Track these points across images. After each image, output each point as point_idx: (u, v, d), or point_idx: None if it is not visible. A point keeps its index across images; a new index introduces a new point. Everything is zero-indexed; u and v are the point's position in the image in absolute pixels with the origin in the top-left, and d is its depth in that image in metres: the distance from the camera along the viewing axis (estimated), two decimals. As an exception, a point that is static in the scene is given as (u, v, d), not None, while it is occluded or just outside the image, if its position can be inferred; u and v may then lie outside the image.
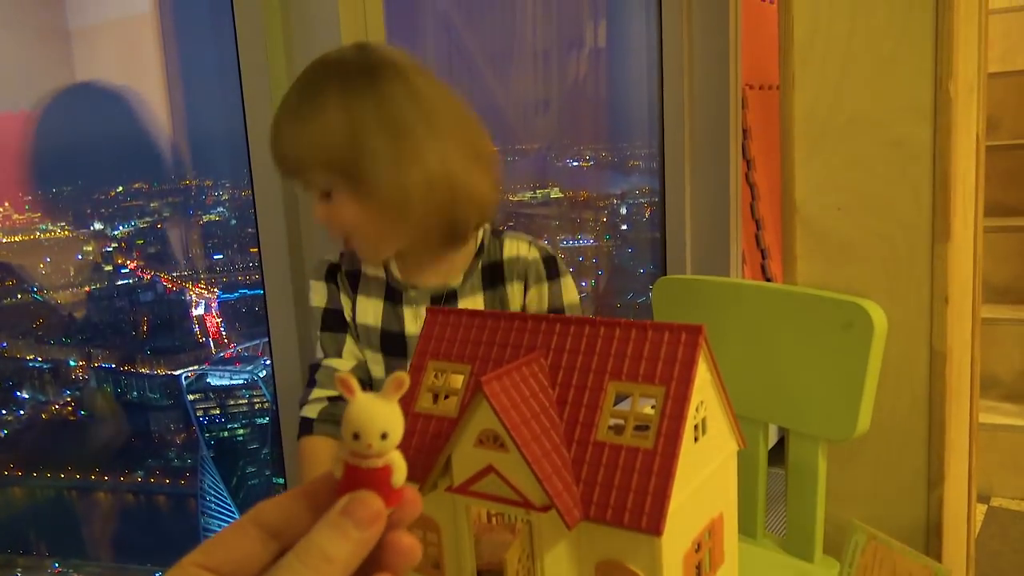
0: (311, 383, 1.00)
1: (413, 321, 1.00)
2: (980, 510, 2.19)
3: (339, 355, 1.01)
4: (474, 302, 1.01)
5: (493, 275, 1.02)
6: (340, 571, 0.33)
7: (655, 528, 0.58)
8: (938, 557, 1.09)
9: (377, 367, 1.02)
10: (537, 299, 1.02)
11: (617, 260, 2.99)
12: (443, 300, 1.00)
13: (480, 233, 1.02)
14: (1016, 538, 2.03)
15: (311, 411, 0.96)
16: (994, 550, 1.97)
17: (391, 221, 0.92)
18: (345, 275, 1.04)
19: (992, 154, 1.18)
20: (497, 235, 1.04)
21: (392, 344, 1.01)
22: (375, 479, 0.35)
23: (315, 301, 1.04)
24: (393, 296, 1.01)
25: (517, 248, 1.02)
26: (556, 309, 1.02)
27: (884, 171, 1.05)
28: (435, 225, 0.95)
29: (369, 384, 1.05)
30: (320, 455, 0.94)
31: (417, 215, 0.91)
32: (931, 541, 1.10)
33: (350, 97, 0.89)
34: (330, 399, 0.96)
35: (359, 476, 0.35)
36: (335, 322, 1.02)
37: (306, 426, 0.95)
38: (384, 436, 0.36)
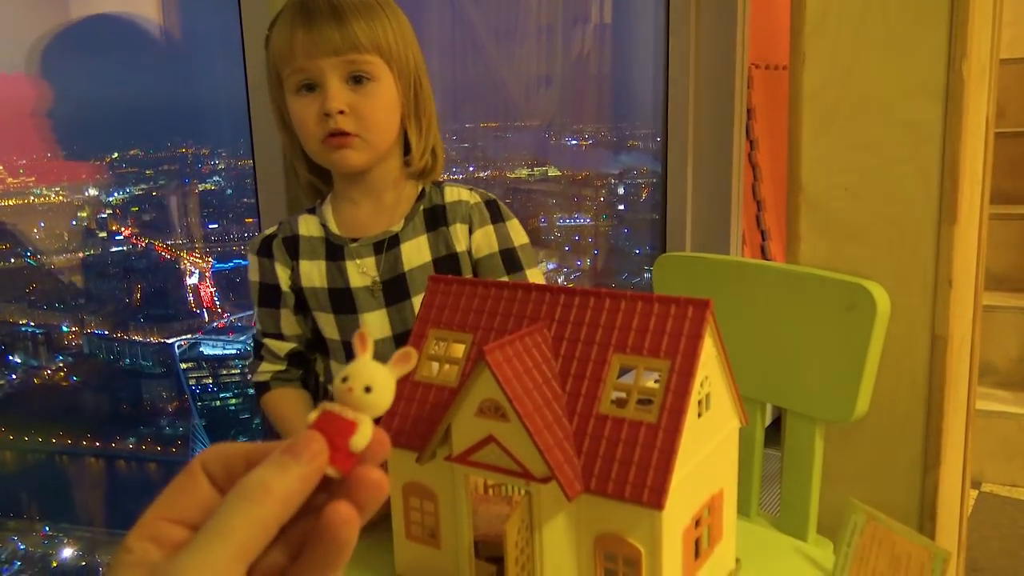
0: (259, 357, 1.04)
1: (357, 275, 1.00)
2: (971, 495, 2.20)
3: (277, 329, 1.03)
4: (417, 244, 1.01)
5: (435, 218, 1.02)
6: (279, 504, 0.33)
7: (657, 502, 0.57)
8: (931, 540, 1.10)
9: (330, 328, 1.02)
10: (486, 242, 1.03)
11: (613, 240, 2.98)
12: (385, 246, 1.00)
13: (420, 184, 1.05)
14: (1005, 523, 2.05)
15: (263, 376, 1.01)
16: (984, 535, 1.99)
17: (395, 122, 0.98)
18: (282, 242, 1.03)
19: (996, 141, 1.17)
20: (437, 184, 1.07)
21: (340, 302, 1.01)
22: (337, 429, 0.35)
23: (251, 275, 1.05)
24: (334, 254, 1.01)
25: (458, 193, 1.05)
26: (508, 250, 1.03)
27: (892, 152, 1.04)
28: (411, 148, 1.02)
29: (319, 348, 1.07)
30: (286, 399, 1.00)
31: (424, 123, 1.00)
32: (925, 524, 1.11)
33: (388, 4, 0.97)
34: (277, 373, 1.02)
35: (324, 421, 0.35)
36: (269, 297, 1.03)
37: (262, 387, 1.00)
38: (368, 390, 0.36)
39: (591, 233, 2.93)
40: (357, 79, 0.94)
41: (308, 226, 1.04)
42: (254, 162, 1.35)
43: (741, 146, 2.11)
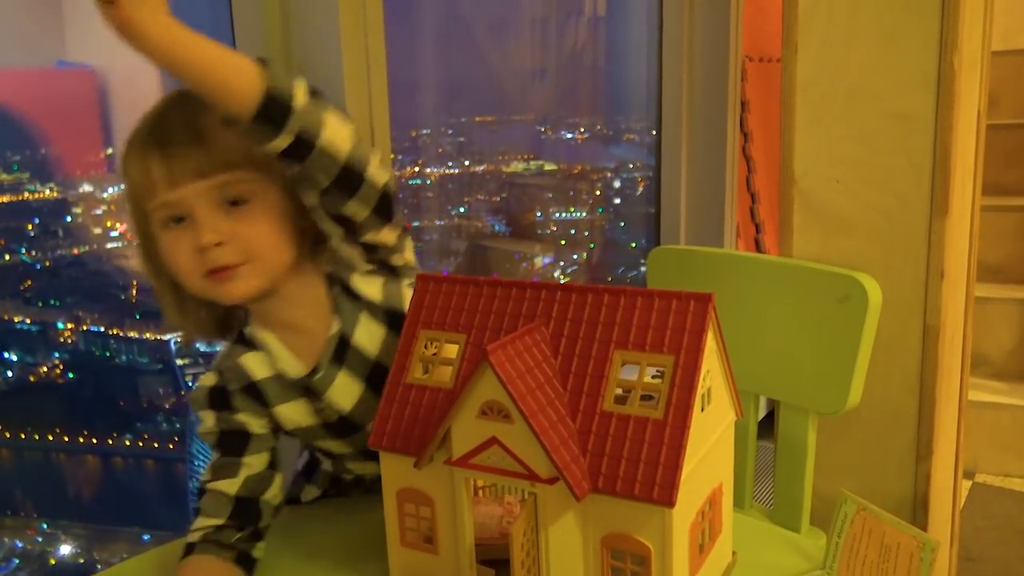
0: (196, 511, 0.86)
1: (343, 396, 0.88)
2: (964, 486, 2.21)
3: (234, 474, 0.87)
4: (364, 327, 0.87)
5: (352, 292, 0.87)
6: None
7: (667, 499, 0.57)
8: (924, 531, 1.10)
9: (337, 447, 0.93)
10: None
11: (610, 234, 2.98)
12: (341, 353, 0.87)
13: (317, 265, 0.89)
14: (998, 514, 2.06)
15: (193, 536, 0.83)
16: (977, 525, 2.00)
17: (290, 235, 0.83)
18: (243, 392, 0.88)
19: (990, 133, 1.18)
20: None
21: (341, 429, 0.90)
22: None
23: (205, 428, 0.89)
24: (307, 391, 0.88)
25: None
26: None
27: (884, 144, 1.04)
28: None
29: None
30: (197, 572, 0.80)
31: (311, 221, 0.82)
32: (917, 514, 1.11)
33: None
34: (215, 527, 0.83)
35: None
36: (232, 446, 0.88)
37: (187, 549, 0.82)
38: None
39: (587, 227, 2.93)
40: (233, 202, 0.79)
41: (259, 368, 0.88)
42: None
43: (735, 139, 2.11)
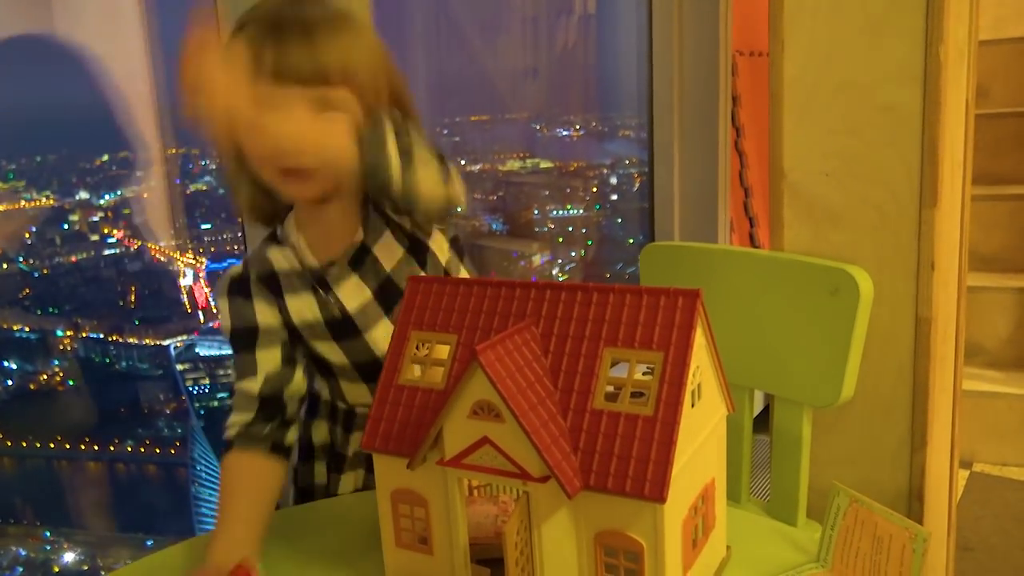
0: (230, 408, 0.95)
1: (350, 297, 0.95)
2: (962, 476, 2.22)
3: (252, 371, 0.94)
4: (385, 244, 0.96)
5: (385, 212, 0.97)
6: None
7: (658, 495, 0.58)
8: (920, 521, 1.11)
9: (335, 355, 0.97)
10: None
11: (607, 230, 2.99)
12: (360, 258, 0.95)
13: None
14: (996, 503, 2.06)
15: (230, 432, 0.91)
16: (975, 514, 2.00)
17: (356, 151, 0.87)
18: (260, 280, 0.95)
19: (981, 123, 1.18)
20: None
21: (341, 329, 0.96)
22: None
23: (223, 322, 0.95)
24: (318, 284, 0.95)
25: None
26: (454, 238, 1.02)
27: (873, 136, 1.04)
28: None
29: (321, 370, 1.00)
30: (235, 469, 0.88)
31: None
32: (913, 505, 1.12)
33: (349, 19, 0.90)
34: (246, 424, 0.91)
35: None
36: (245, 341, 0.95)
37: (225, 446, 0.90)
38: None
39: (584, 224, 2.94)
40: (323, 107, 0.86)
41: (281, 260, 0.97)
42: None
43: (727, 134, 2.11)
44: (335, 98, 0.86)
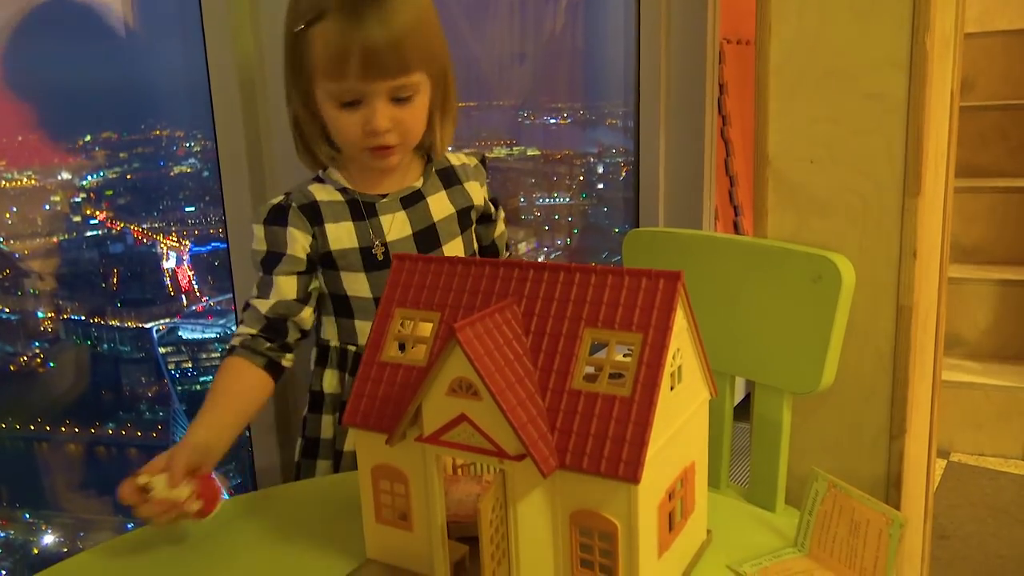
0: (239, 322, 1.04)
1: (393, 228, 1.04)
2: (940, 465, 2.24)
3: (266, 292, 1.01)
4: (439, 198, 1.07)
5: (448, 177, 1.10)
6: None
7: (632, 476, 0.58)
8: (897, 508, 1.12)
9: (361, 286, 1.03)
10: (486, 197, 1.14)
11: (593, 218, 2.98)
12: (412, 201, 1.05)
13: (424, 151, 1.11)
14: (973, 492, 2.09)
15: (234, 341, 1.00)
16: (952, 503, 2.03)
17: (426, 120, 1.02)
18: (299, 209, 1.02)
19: (965, 115, 1.19)
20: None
21: (373, 259, 1.03)
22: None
23: (256, 245, 1.03)
24: (362, 213, 1.03)
25: (460, 157, 1.14)
26: (493, 200, 1.16)
27: (858, 124, 1.04)
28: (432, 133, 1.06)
29: (338, 311, 1.06)
30: (231, 372, 0.97)
31: (449, 116, 1.06)
32: (891, 493, 1.13)
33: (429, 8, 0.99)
34: (250, 336, 0.99)
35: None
36: (269, 264, 1.02)
37: (228, 351, 0.99)
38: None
39: (570, 212, 2.93)
40: (401, 98, 0.97)
41: (324, 193, 1.04)
42: (216, 144, 1.34)
43: (713, 121, 2.11)
44: (414, 83, 0.96)
